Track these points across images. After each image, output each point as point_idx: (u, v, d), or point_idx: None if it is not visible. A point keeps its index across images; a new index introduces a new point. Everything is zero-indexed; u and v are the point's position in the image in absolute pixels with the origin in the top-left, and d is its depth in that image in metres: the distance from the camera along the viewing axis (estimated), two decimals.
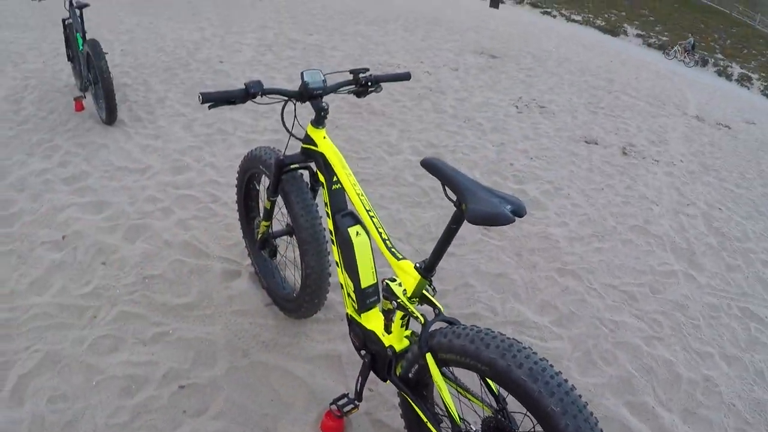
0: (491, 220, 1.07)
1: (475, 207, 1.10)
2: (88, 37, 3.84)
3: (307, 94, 1.59)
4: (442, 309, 1.33)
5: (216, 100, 1.42)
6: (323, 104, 1.63)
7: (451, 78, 5.98)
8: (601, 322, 2.41)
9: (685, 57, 20.39)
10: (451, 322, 1.28)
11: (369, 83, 1.71)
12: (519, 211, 1.10)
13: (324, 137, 1.66)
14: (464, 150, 4.06)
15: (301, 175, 1.83)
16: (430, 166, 1.25)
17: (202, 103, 1.40)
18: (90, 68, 3.79)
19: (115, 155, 3.45)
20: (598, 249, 3.05)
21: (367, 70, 1.75)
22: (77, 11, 3.90)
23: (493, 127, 4.65)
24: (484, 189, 1.15)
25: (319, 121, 1.65)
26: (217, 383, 1.85)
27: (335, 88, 1.67)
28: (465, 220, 1.15)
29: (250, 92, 1.46)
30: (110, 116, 3.82)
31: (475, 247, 2.84)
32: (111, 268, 2.39)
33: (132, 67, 5.51)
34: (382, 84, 1.80)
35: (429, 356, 1.23)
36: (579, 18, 23.38)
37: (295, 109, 1.78)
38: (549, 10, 24.40)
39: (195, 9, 9.29)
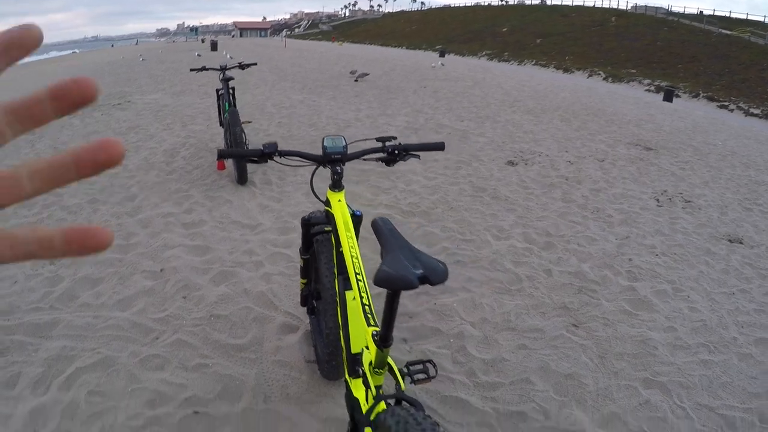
0: (388, 282, 1.09)
1: (381, 268, 1.12)
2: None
3: (326, 158, 1.79)
4: (403, 387, 1.36)
5: (231, 156, 1.69)
6: (337, 168, 1.81)
7: (593, 168, 5.86)
8: None
9: None
10: (413, 403, 1.29)
11: (396, 152, 1.84)
12: (430, 278, 1.09)
13: (339, 200, 1.83)
14: (581, 241, 3.93)
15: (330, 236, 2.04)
16: (374, 226, 1.34)
17: (218, 158, 1.70)
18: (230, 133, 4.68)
19: (234, 211, 4.12)
20: (704, 362, 2.71)
21: (395, 138, 1.90)
22: (227, 83, 4.94)
23: (622, 220, 4.43)
24: (408, 252, 1.17)
25: (335, 185, 1.85)
26: (228, 419, 2.06)
27: (359, 155, 1.84)
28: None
29: (265, 152, 1.72)
30: (240, 177, 4.61)
31: (553, 342, 2.72)
32: (188, 303, 2.85)
33: (282, 137, 6.54)
34: (420, 154, 1.92)
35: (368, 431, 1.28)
36: (758, 111, 21.33)
37: (338, 174, 1.86)
38: (726, 103, 22.87)
39: (359, 93, 10.66)
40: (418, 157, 1.90)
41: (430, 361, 1.75)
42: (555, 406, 2.27)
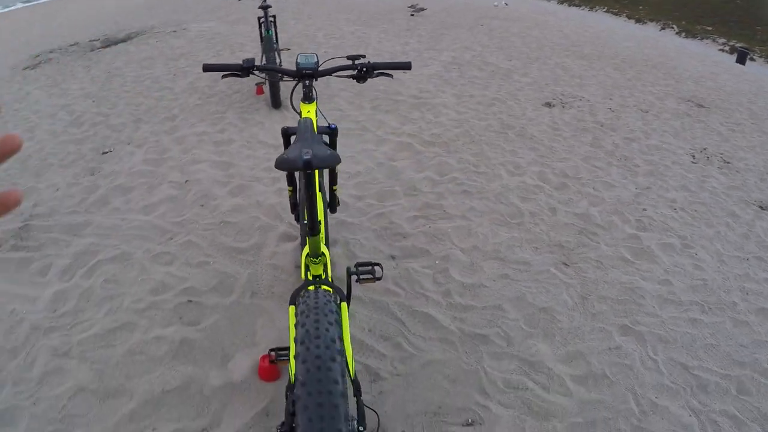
0: (279, 164, 1.18)
1: (281, 154, 1.22)
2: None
3: (299, 73, 1.90)
4: (330, 274, 1.51)
5: (214, 70, 1.81)
6: (306, 82, 1.93)
7: (634, 118, 5.58)
8: (635, 398, 2.10)
9: None
10: (336, 290, 1.41)
11: (365, 69, 1.91)
12: (312, 162, 1.14)
13: (308, 111, 1.97)
14: (597, 186, 3.85)
15: None
16: (297, 125, 1.42)
17: (204, 71, 1.81)
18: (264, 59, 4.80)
19: (263, 132, 4.30)
20: (693, 320, 2.61)
21: (364, 56, 2.00)
22: (266, 11, 5.01)
23: (649, 171, 4.24)
24: (307, 142, 1.23)
25: (305, 97, 1.98)
26: (217, 308, 2.30)
27: (330, 72, 1.92)
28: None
29: (244, 67, 1.83)
30: (274, 101, 4.78)
31: (537, 276, 2.75)
32: (204, 210, 3.09)
33: (323, 67, 6.59)
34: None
35: (291, 308, 1.41)
36: None
37: (306, 86, 1.98)
38: None
39: (412, 27, 10.42)
40: (390, 75, 1.96)
41: (378, 264, 1.91)
42: (520, 335, 2.34)
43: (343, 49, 7.70)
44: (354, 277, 1.76)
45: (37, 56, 7.17)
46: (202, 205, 3.13)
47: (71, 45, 7.70)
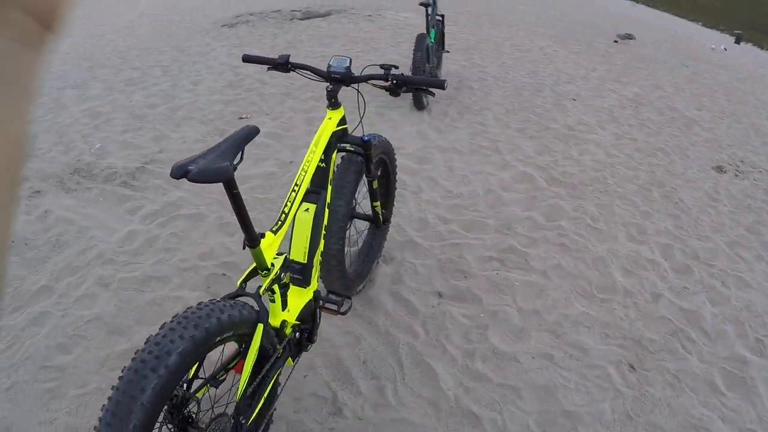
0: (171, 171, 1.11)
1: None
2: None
3: (328, 75, 1.79)
4: (261, 290, 1.42)
5: (253, 61, 1.84)
6: (328, 86, 1.80)
7: None
8: None
9: None
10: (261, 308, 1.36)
11: (397, 82, 1.75)
12: (188, 174, 1.09)
13: (329, 118, 1.82)
14: (730, 281, 3.01)
15: (357, 158, 2.03)
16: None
17: (243, 61, 1.83)
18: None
19: (392, 131, 4.23)
20: None
21: (397, 67, 1.80)
22: (426, 8, 4.83)
23: None
24: (211, 152, 1.18)
25: (331, 103, 1.83)
26: None
27: (362, 79, 1.78)
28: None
29: (279, 63, 1.80)
30: (416, 103, 4.68)
31: (588, 371, 2.24)
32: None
33: (494, 77, 6.28)
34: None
35: None
36: None
37: (327, 91, 1.86)
38: None
39: (608, 54, 9.52)
40: (431, 94, 1.83)
41: (349, 298, 1.78)
42: (517, 426, 1.93)
43: (521, 63, 7.29)
44: (319, 303, 1.67)
45: (238, 16, 7.97)
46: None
47: (274, 11, 8.39)
